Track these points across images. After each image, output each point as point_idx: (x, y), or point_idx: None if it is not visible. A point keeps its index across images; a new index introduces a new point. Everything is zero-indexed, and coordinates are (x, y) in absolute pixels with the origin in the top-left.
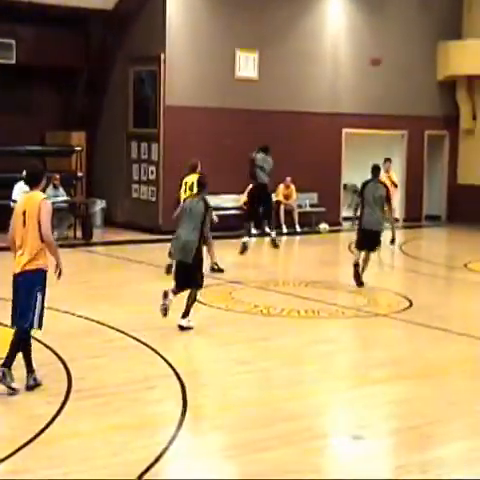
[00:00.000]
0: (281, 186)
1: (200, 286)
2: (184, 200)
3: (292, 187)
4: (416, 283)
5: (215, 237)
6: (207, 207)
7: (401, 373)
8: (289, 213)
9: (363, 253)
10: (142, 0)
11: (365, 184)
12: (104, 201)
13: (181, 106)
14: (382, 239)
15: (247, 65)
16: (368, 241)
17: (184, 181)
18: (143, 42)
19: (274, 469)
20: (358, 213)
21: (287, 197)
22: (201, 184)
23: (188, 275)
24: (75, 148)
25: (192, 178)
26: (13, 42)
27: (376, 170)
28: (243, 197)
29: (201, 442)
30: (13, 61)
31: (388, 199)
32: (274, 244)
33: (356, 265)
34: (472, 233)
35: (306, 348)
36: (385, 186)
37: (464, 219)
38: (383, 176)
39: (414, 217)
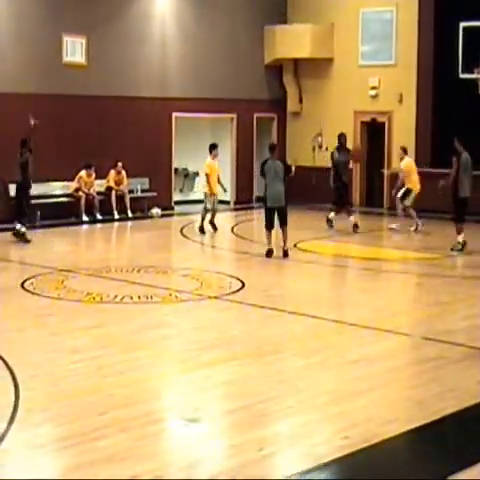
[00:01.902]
0: (112, 172)
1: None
2: (264, 163)
3: (123, 173)
4: (248, 264)
5: (45, 226)
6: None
7: (233, 354)
8: (121, 198)
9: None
10: None
11: (264, 162)
12: None
13: (2, 92)
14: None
15: (75, 50)
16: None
17: None
18: None
19: (109, 457)
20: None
21: (118, 183)
22: (273, 148)
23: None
24: None
25: None
26: None
27: (273, 148)
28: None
29: (34, 435)
30: None
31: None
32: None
33: (270, 251)
34: (301, 214)
35: (139, 334)
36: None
37: (293, 201)
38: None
39: (245, 199)
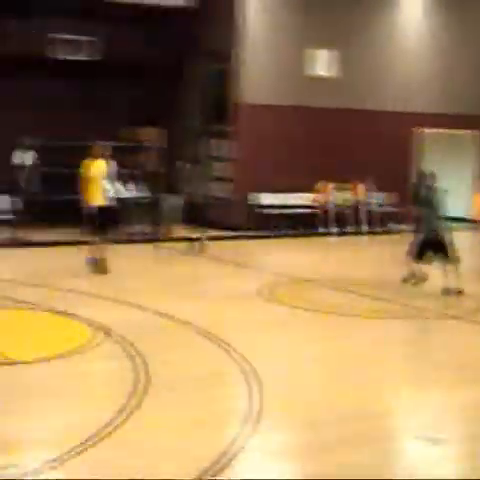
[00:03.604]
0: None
1: None
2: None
3: (363, 186)
4: None
5: (290, 235)
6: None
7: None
8: (359, 211)
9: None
10: None
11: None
12: (181, 197)
13: (254, 104)
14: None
15: (322, 63)
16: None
17: None
18: (218, 39)
19: (341, 471)
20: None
21: (358, 196)
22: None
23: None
24: (148, 144)
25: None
26: (93, 39)
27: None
28: None
29: (268, 440)
30: (92, 58)
31: None
32: None
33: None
34: None
35: (377, 348)
36: None
37: None
38: None
39: None
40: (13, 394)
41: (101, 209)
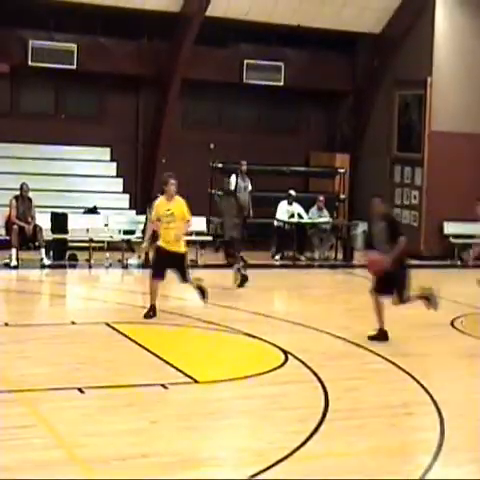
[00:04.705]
0: None
1: None
2: None
3: None
4: None
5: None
6: None
7: None
8: None
9: None
10: (410, 24)
11: None
12: (365, 224)
13: (446, 131)
14: None
15: None
16: None
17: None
18: (410, 65)
19: None
20: None
21: None
22: None
23: None
24: (339, 170)
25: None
26: (282, 64)
27: None
28: None
29: (456, 475)
30: (281, 83)
31: None
32: None
33: None
34: None
35: None
36: None
37: None
38: None
39: None
40: (200, 412)
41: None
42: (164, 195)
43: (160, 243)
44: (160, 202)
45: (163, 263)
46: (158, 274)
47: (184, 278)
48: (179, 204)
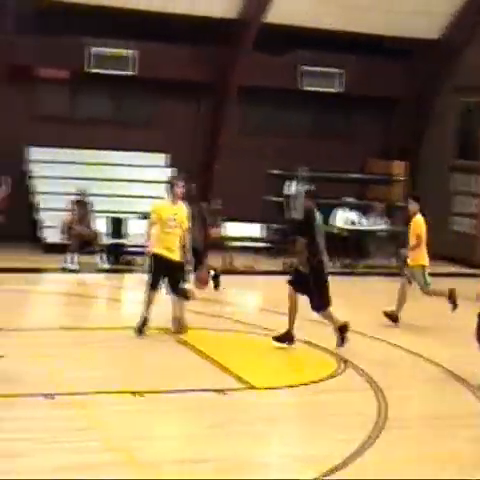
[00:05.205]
0: None
1: None
2: None
3: None
4: None
5: None
6: None
7: None
8: None
9: None
10: (469, 29)
11: None
12: None
13: None
14: None
15: None
16: None
17: None
18: (470, 72)
19: None
20: None
21: None
22: None
23: None
24: (396, 178)
25: None
26: (339, 71)
27: None
28: None
29: None
30: (339, 89)
31: None
32: None
33: None
34: None
35: None
36: None
37: None
38: None
39: None
40: (256, 418)
41: None
42: (168, 198)
43: (158, 250)
44: (164, 205)
45: (161, 272)
46: (157, 285)
47: (174, 290)
48: (183, 209)
